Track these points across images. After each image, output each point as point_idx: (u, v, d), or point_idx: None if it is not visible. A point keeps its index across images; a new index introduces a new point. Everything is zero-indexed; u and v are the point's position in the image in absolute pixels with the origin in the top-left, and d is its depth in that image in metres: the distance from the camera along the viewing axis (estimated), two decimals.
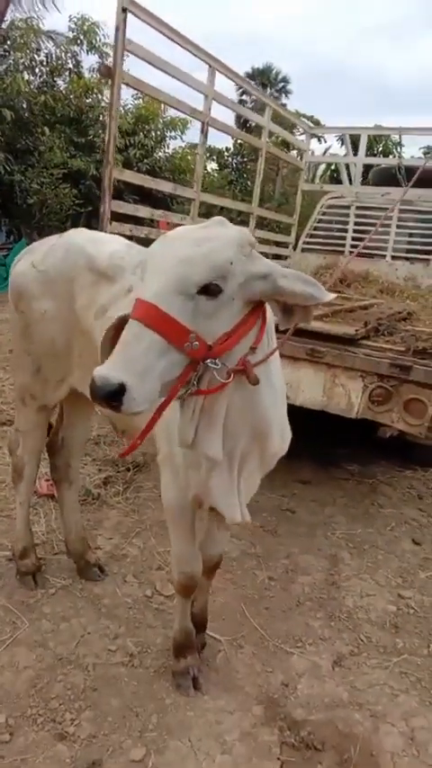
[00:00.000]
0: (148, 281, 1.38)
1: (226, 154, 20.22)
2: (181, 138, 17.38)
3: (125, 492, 3.60)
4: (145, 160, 16.13)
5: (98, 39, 15.66)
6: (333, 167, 15.01)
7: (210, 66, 4.53)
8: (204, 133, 4.72)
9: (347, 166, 6.87)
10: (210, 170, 19.50)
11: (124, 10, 3.55)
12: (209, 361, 1.39)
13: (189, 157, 17.80)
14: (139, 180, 4.59)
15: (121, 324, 1.49)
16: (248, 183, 18.98)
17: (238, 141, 20.31)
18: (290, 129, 7.26)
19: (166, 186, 5.07)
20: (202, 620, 2.38)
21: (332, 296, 1.48)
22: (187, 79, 4.23)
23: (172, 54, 4.22)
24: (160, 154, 17.39)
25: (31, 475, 2.69)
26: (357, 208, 6.23)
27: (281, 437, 1.85)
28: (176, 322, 1.32)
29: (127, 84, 3.81)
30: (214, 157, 22.49)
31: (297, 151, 8.85)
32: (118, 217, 3.98)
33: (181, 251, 1.37)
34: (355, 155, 6.86)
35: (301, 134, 7.65)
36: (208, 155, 22.22)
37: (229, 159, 20.35)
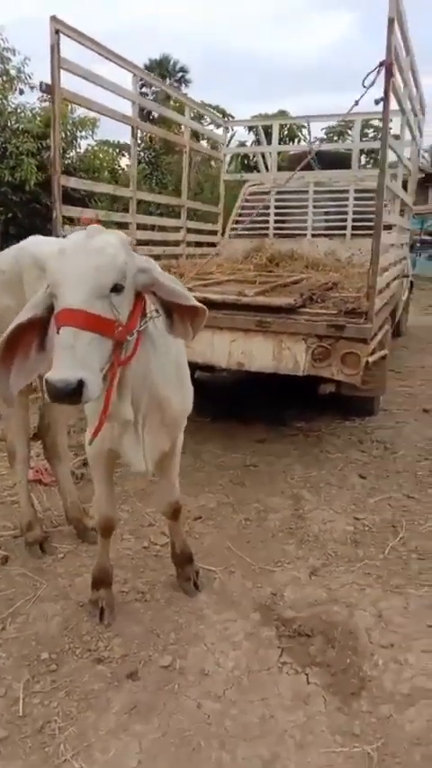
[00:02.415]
0: (68, 292, 1.64)
1: (138, 149, 20.31)
2: (92, 137, 17.50)
3: None
4: None
5: None
6: (240, 156, 15.59)
7: (134, 75, 4.88)
8: (135, 136, 5.07)
9: (263, 155, 7.35)
10: (124, 166, 19.58)
11: (57, 32, 3.86)
12: (128, 337, 1.79)
13: (101, 155, 17.92)
14: (82, 185, 4.90)
15: (13, 334, 1.84)
16: (163, 175, 19.21)
17: (148, 135, 20.61)
18: (198, 120, 7.68)
19: (106, 188, 5.41)
20: (185, 556, 2.76)
21: (197, 303, 1.85)
22: (117, 89, 4.57)
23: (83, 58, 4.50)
24: (72, 154, 17.42)
25: (23, 454, 3.02)
26: (277, 193, 6.73)
27: (180, 402, 2.27)
28: (106, 318, 1.67)
29: (65, 100, 4.10)
30: (125, 153, 22.63)
31: (207, 140, 9.29)
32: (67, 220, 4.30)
33: (89, 262, 1.66)
34: (269, 143, 7.34)
35: (218, 127, 8.06)
36: (118, 150, 22.37)
37: (141, 154, 20.47)
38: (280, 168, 7.57)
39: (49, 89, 4.07)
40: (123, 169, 19.81)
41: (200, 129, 6.72)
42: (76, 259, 1.69)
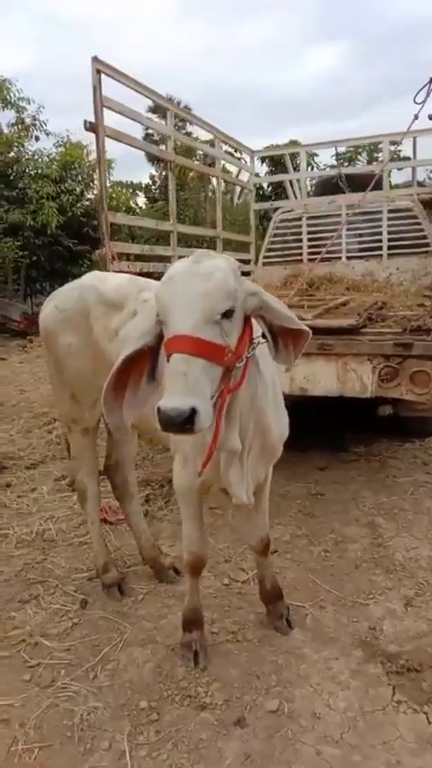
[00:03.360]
0: (178, 319, 1.59)
1: (153, 187, 20.76)
2: (108, 179, 17.85)
3: (167, 506, 3.87)
4: (78, 204, 16.46)
5: (12, 95, 16.05)
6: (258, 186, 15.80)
7: (168, 110, 4.95)
8: (172, 170, 5.10)
9: (290, 182, 7.39)
10: (141, 204, 19.95)
11: (98, 72, 3.92)
12: (237, 363, 1.71)
13: (114, 195, 18.21)
14: (128, 221, 4.93)
15: (125, 363, 1.80)
16: (181, 210, 19.59)
17: (162, 174, 21.03)
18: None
19: (149, 223, 5.43)
20: (275, 593, 2.65)
21: (303, 326, 1.77)
22: (155, 126, 4.62)
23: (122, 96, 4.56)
24: (90, 196, 17.80)
25: (94, 494, 2.94)
26: (308, 218, 6.72)
27: (278, 429, 2.19)
28: (217, 344, 1.61)
29: (108, 137, 4.14)
30: (138, 192, 23.10)
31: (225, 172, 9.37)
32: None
33: (198, 287, 1.62)
34: (296, 170, 7.39)
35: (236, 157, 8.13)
36: (132, 190, 22.83)
37: (157, 192, 20.88)
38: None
39: (93, 127, 4.11)
40: (141, 207, 20.20)
41: (234, 163, 6.78)
42: (185, 285, 1.63)
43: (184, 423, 1.48)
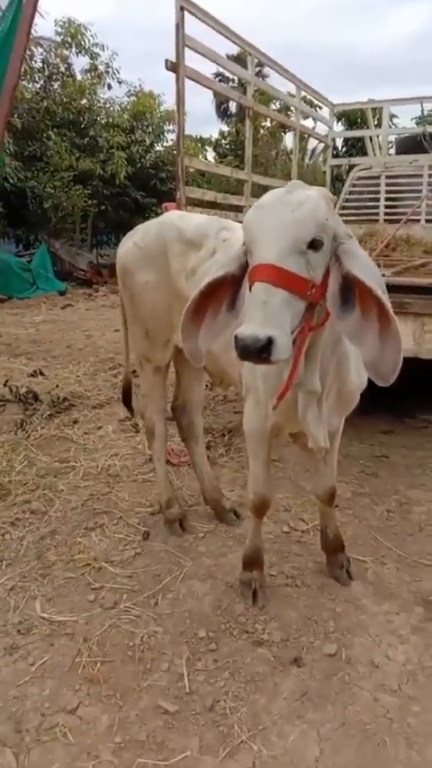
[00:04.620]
0: (263, 247, 1.57)
1: (223, 142, 20.40)
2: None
3: (228, 453, 3.89)
4: (147, 155, 16.35)
5: (87, 40, 15.88)
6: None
7: (249, 55, 4.79)
8: (250, 118, 4.97)
9: (371, 139, 7.10)
10: (211, 159, 19.66)
11: (182, 8, 3.81)
12: (322, 301, 1.64)
13: (187, 148, 17.99)
14: (204, 166, 4.86)
15: (208, 288, 1.77)
16: (255, 167, 19.30)
17: (234, 129, 20.59)
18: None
19: (225, 171, 5.37)
20: (337, 543, 2.64)
21: (387, 304, 1.57)
22: (236, 70, 4.49)
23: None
24: (159, 148, 17.64)
25: (162, 433, 2.98)
26: (387, 177, 6.46)
27: (358, 377, 2.09)
28: (300, 277, 1.55)
29: (188, 77, 4.05)
30: (206, 147, 22.74)
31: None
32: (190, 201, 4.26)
33: (287, 215, 1.57)
34: (378, 127, 7.08)
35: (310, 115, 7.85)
36: (200, 145, 22.48)
37: (227, 147, 20.53)
38: None
39: (173, 66, 4.03)
40: (210, 162, 19.89)
41: (312, 114, 6.54)
42: (274, 212, 1.59)
43: (260, 351, 1.45)
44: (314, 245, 1.58)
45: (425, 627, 2.31)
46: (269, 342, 1.45)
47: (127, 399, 3.21)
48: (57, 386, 5.27)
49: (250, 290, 1.57)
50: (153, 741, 1.84)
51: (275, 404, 1.89)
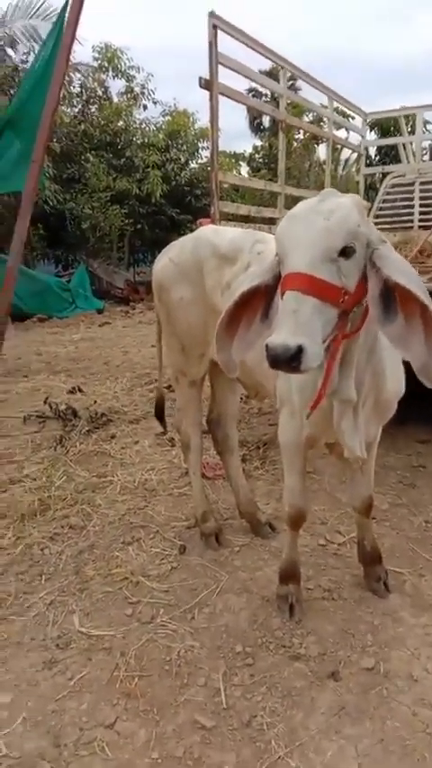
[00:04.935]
0: (294, 256, 1.58)
1: (257, 156, 20.53)
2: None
3: (263, 466, 3.89)
4: (182, 173, 16.59)
5: (123, 63, 16.30)
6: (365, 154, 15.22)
7: (281, 69, 4.84)
8: (283, 131, 5.01)
9: (404, 146, 7.05)
10: (244, 174, 19.79)
11: (215, 27, 3.88)
12: (355, 308, 1.63)
13: (221, 164, 18.16)
14: (237, 181, 4.94)
15: (242, 299, 1.78)
16: (288, 179, 19.32)
17: (267, 143, 20.70)
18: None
19: (258, 184, 5.42)
20: (375, 555, 2.61)
21: (428, 302, 1.55)
22: (269, 85, 4.55)
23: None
24: (193, 165, 17.88)
25: (197, 446, 2.99)
26: (421, 183, 6.40)
27: (395, 384, 2.07)
28: (331, 285, 1.55)
29: (222, 94, 4.12)
30: (240, 162, 22.92)
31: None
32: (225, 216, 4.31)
33: (318, 224, 1.58)
34: (411, 134, 7.03)
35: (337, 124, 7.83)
36: (234, 160, 22.67)
37: (260, 161, 20.64)
38: None
39: (207, 84, 4.10)
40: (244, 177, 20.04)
41: (345, 124, 6.55)
42: (305, 222, 1.60)
43: (290, 360, 1.45)
44: (346, 252, 1.58)
45: None
46: (299, 350, 1.45)
47: (160, 413, 3.25)
48: (95, 402, 5.37)
49: (282, 298, 1.59)
50: (190, 757, 1.84)
51: (309, 413, 1.89)
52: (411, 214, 6.49)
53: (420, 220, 6.38)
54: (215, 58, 4.00)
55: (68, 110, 15.15)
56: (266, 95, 16.26)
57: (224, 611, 2.49)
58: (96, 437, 4.51)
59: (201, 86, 3.96)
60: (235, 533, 3.08)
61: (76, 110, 15.54)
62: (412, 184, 6.49)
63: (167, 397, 3.30)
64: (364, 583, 2.60)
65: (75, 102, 15.51)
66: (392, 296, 1.61)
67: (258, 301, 1.80)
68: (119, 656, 2.25)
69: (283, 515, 2.53)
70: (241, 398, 4.71)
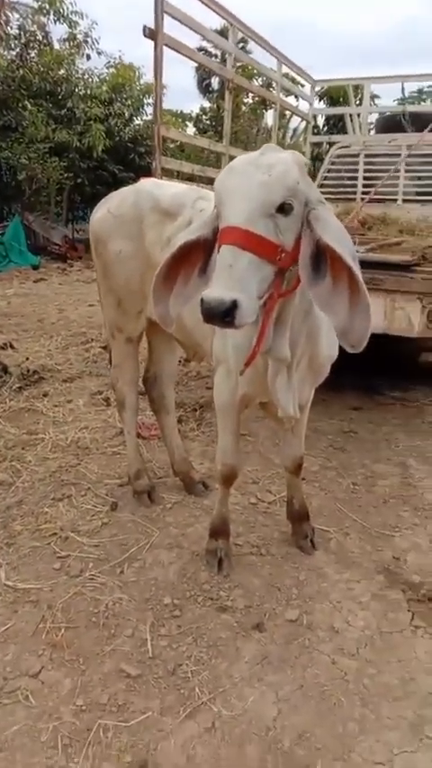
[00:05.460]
0: (231, 209, 1.56)
1: (204, 117, 20.13)
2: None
3: (199, 428, 3.91)
4: (126, 129, 16.07)
5: (65, 7, 15.44)
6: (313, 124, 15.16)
7: (231, 26, 4.71)
8: (230, 91, 4.91)
9: (351, 117, 7.07)
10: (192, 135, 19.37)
11: None
12: (292, 266, 1.62)
13: (167, 121, 17.70)
14: (181, 137, 4.85)
15: (181, 252, 1.76)
16: (235, 144, 19.10)
17: (215, 104, 20.29)
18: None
19: (202, 142, 5.30)
20: (302, 513, 2.68)
21: (357, 271, 1.57)
22: (217, 40, 4.42)
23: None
24: (138, 122, 17.33)
25: (133, 404, 2.96)
26: (366, 155, 6.45)
27: (329, 347, 2.11)
28: (268, 241, 1.54)
29: (167, 45, 3.98)
30: (187, 123, 22.42)
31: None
32: (165, 172, 4.21)
33: (257, 177, 1.56)
34: (359, 105, 7.05)
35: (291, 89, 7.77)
36: (180, 120, 22.15)
37: (207, 123, 20.26)
38: None
39: (152, 33, 3.94)
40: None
41: (293, 90, 6.47)
42: (244, 175, 1.58)
43: (224, 314, 1.45)
44: (284, 209, 1.56)
45: (384, 594, 2.36)
46: (234, 305, 1.44)
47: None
48: (27, 359, 5.21)
49: (218, 253, 1.56)
50: (114, 703, 1.86)
51: (243, 369, 1.89)
52: (355, 186, 6.54)
53: (363, 193, 6.44)
54: (161, 6, 3.85)
55: (5, 52, 14.28)
56: (216, 57, 15.89)
57: (154, 565, 2.50)
58: (28, 394, 4.39)
59: (145, 35, 3.80)
60: (168, 491, 3.09)
61: (14, 53, 14.65)
62: (357, 156, 6.53)
63: (104, 356, 3.23)
64: (291, 540, 2.67)
65: (12, 45, 14.61)
66: (323, 257, 1.61)
67: (197, 255, 1.78)
68: (46, 608, 2.24)
69: (216, 474, 2.55)
70: (180, 361, 4.69)
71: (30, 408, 4.12)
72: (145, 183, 2.74)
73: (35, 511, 2.86)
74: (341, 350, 1.85)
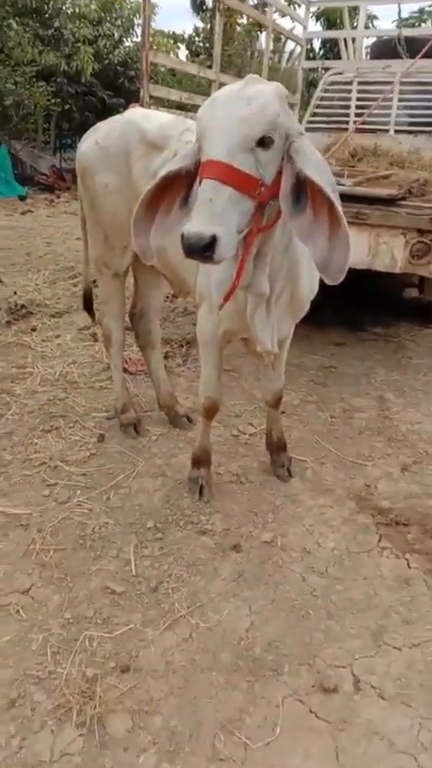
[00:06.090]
0: (212, 143, 1.56)
1: (197, 39, 19.16)
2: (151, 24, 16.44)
3: (185, 363, 3.99)
4: (115, 51, 15.33)
5: None
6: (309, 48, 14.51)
7: None
8: (220, 12, 4.70)
9: (345, 41, 6.79)
10: (183, 57, 18.50)
11: None
12: (272, 201, 1.64)
13: (155, 45, 16.86)
14: (169, 62, 4.66)
15: (162, 183, 1.75)
16: (223, 68, 18.17)
17: (208, 26, 19.25)
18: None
19: (192, 68, 5.11)
20: (280, 444, 2.80)
21: (338, 205, 1.58)
22: None
23: None
24: (128, 43, 16.50)
25: (119, 339, 3.02)
26: (359, 83, 6.25)
27: (309, 283, 2.15)
28: (249, 175, 1.55)
29: None
30: (179, 45, 21.32)
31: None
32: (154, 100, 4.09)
33: (238, 111, 1.55)
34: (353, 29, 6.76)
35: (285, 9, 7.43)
36: (172, 41, 21.06)
37: (200, 45, 19.30)
38: None
39: None
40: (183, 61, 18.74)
41: (287, 11, 6.18)
42: (225, 108, 1.57)
43: (204, 249, 1.47)
44: (264, 142, 1.56)
45: (355, 518, 2.51)
46: (213, 239, 1.46)
47: (88, 305, 3.18)
48: (15, 293, 5.21)
49: (199, 186, 1.57)
50: (99, 617, 2.01)
51: (222, 304, 1.94)
52: (347, 115, 6.37)
53: (356, 122, 6.28)
54: None
55: None
56: None
57: (139, 492, 2.64)
58: (16, 329, 4.42)
59: None
60: (154, 424, 3.19)
61: None
62: (350, 83, 6.32)
63: (95, 291, 3.25)
64: (269, 469, 2.80)
65: None
66: (304, 189, 1.63)
67: (179, 186, 1.78)
68: (35, 531, 2.37)
69: (199, 407, 2.64)
70: (167, 297, 4.73)
71: (18, 343, 4.17)
72: (133, 114, 2.68)
73: (25, 441, 2.97)
74: (325, 286, 1.89)
